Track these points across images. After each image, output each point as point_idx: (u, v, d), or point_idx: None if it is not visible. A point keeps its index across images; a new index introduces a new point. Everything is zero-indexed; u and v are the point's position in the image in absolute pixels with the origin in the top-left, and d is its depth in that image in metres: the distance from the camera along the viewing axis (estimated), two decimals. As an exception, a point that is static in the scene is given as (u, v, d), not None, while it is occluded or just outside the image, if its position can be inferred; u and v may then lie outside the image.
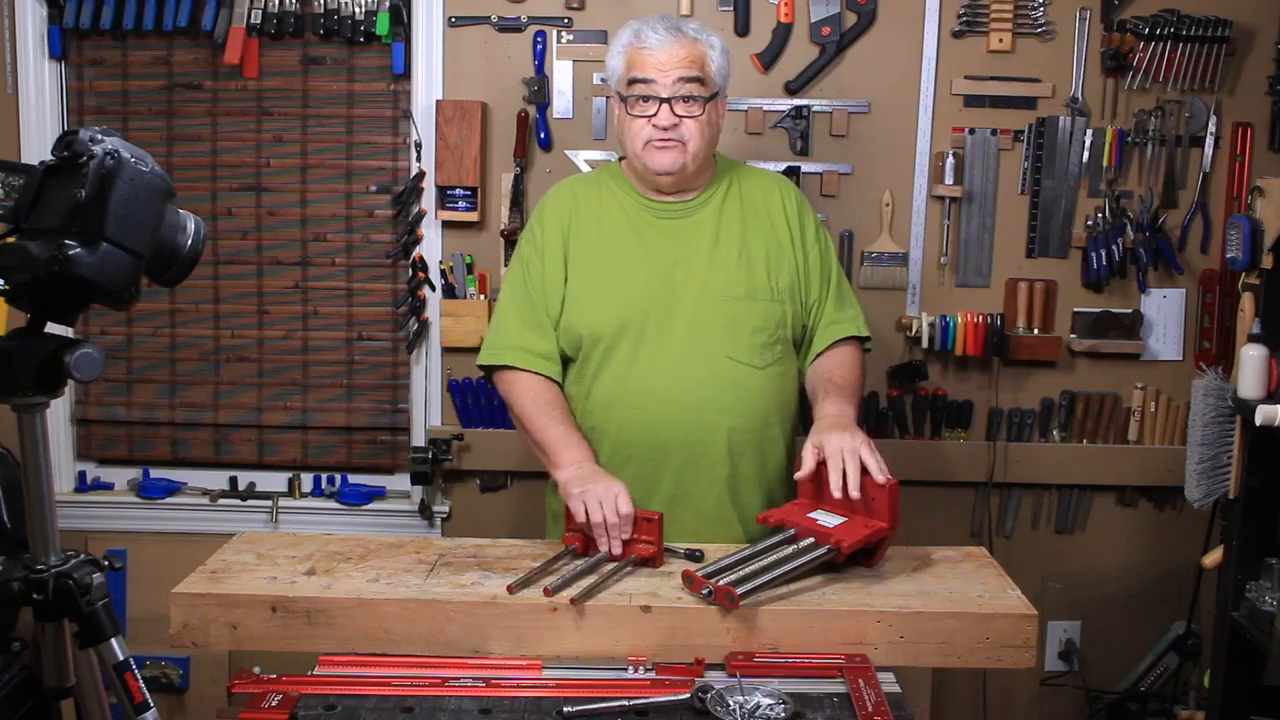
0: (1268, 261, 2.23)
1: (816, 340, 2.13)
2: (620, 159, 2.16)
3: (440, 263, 2.84)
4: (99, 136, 1.34)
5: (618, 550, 1.81)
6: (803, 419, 2.83)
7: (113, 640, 1.44)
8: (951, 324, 2.78)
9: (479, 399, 2.84)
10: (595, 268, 2.05)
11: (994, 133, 2.78)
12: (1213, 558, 2.39)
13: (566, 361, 2.09)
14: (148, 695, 1.46)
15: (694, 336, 2.00)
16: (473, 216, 2.78)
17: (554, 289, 2.05)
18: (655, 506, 2.00)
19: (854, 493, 1.78)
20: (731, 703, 1.49)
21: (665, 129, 1.96)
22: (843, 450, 1.81)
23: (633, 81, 1.98)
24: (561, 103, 2.79)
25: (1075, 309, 2.84)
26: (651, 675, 1.61)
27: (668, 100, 1.96)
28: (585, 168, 2.78)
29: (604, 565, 1.78)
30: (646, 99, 1.97)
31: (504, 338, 2.07)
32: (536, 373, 2.04)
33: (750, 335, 2.02)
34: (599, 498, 1.82)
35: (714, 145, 2.08)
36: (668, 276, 2.02)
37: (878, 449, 1.83)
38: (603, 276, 2.04)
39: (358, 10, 2.77)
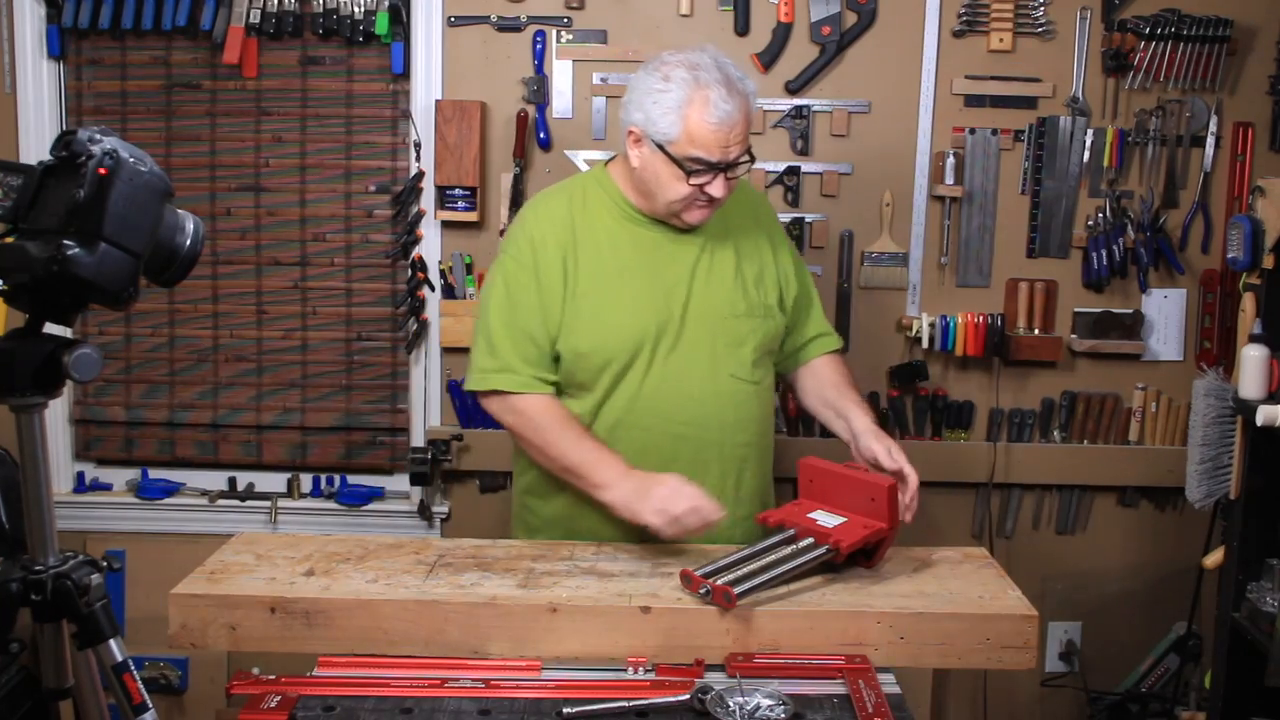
0: (1269, 262, 2.23)
1: (804, 352, 2.16)
2: (607, 162, 2.09)
3: (439, 263, 2.83)
4: (97, 136, 1.33)
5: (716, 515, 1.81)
6: (792, 420, 2.84)
7: (111, 641, 1.43)
8: (952, 324, 2.78)
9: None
10: (600, 291, 1.97)
11: (994, 132, 2.78)
12: (1214, 558, 2.39)
13: (569, 380, 2.01)
14: (146, 696, 1.46)
15: (700, 356, 1.98)
16: (472, 216, 2.77)
17: (552, 312, 1.96)
18: None
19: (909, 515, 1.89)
20: (731, 704, 1.49)
21: (718, 198, 1.91)
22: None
23: (696, 159, 1.86)
24: (561, 103, 2.78)
25: (1076, 309, 2.84)
26: (651, 676, 1.61)
27: (724, 169, 1.89)
28: (585, 168, 2.77)
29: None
30: (705, 171, 1.88)
31: (498, 362, 1.97)
32: (539, 394, 1.98)
33: (750, 352, 2.01)
34: (675, 509, 1.81)
35: None
36: (670, 296, 1.98)
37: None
38: (609, 300, 1.96)
39: (357, 10, 2.76)
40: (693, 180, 1.88)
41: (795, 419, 2.83)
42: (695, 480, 1.91)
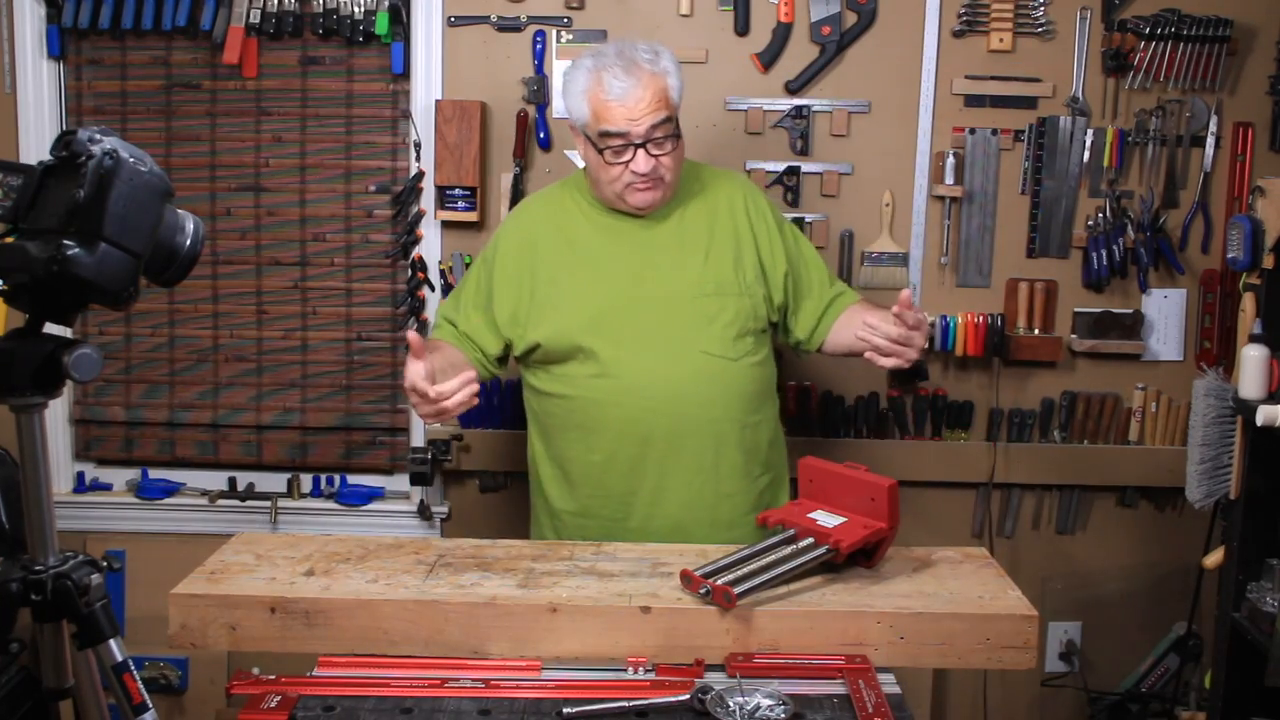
0: (1269, 261, 2.23)
1: (829, 313, 2.21)
2: (585, 168, 2.17)
3: (439, 263, 2.83)
4: (97, 136, 1.34)
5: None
6: (793, 420, 2.83)
7: (111, 641, 1.44)
8: (952, 324, 2.78)
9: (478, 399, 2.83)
10: (565, 279, 2.10)
11: (994, 132, 2.78)
12: (1214, 558, 2.39)
13: (550, 364, 2.12)
14: (146, 696, 1.46)
15: (667, 334, 2.06)
16: (472, 216, 2.77)
17: (503, 302, 2.11)
18: (642, 496, 2.09)
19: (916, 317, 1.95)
20: (731, 704, 1.49)
21: (646, 174, 2.01)
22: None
23: (605, 134, 2.00)
24: (561, 103, 2.78)
25: (1076, 309, 2.84)
26: (651, 676, 1.61)
27: (642, 145, 1.99)
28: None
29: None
30: (622, 148, 2.00)
31: (447, 320, 2.21)
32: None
33: (722, 329, 2.08)
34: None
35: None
36: (637, 280, 2.09)
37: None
38: (574, 286, 2.10)
39: (357, 10, 2.76)
40: (609, 158, 2.01)
41: (796, 418, 2.82)
42: (673, 456, 2.05)
